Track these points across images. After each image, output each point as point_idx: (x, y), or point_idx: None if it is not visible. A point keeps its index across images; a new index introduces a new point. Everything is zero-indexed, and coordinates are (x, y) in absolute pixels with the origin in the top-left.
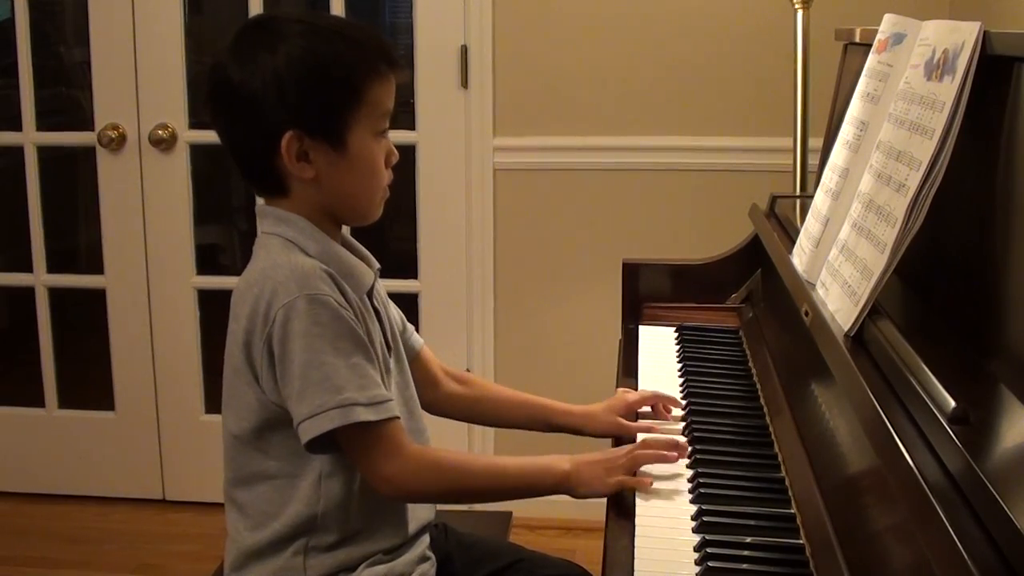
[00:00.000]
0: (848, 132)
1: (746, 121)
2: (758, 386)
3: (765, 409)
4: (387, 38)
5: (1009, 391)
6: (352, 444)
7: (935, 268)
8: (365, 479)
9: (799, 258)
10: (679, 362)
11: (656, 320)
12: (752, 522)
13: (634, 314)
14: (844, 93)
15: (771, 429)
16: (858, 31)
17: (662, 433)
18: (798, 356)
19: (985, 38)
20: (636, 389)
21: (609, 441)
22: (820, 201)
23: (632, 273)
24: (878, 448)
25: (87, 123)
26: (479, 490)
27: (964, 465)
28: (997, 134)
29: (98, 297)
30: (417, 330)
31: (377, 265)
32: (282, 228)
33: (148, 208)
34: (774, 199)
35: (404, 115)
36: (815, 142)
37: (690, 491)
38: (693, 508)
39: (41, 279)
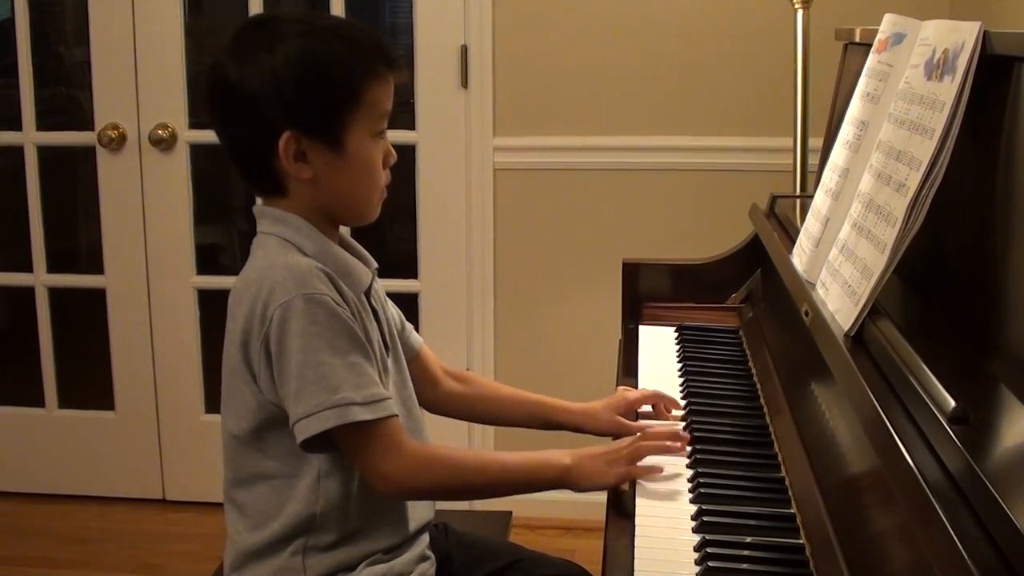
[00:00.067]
0: (848, 132)
1: (746, 121)
2: (758, 386)
3: (765, 409)
4: (386, 39)
5: (1009, 391)
6: (350, 443)
7: (935, 268)
8: (364, 478)
9: (799, 258)
10: (679, 362)
11: (656, 320)
12: (752, 522)
13: (634, 314)
14: (844, 93)
15: (771, 429)
16: (858, 31)
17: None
18: (798, 356)
19: (985, 38)
20: (636, 388)
21: (609, 439)
22: (820, 201)
23: (632, 273)
24: (878, 448)
25: (87, 123)
26: (479, 486)
27: (964, 465)
28: (997, 134)
29: (98, 297)
30: (417, 330)
31: (375, 264)
32: (279, 228)
33: (148, 208)
34: (774, 199)
35: (404, 115)
36: (815, 142)
37: (690, 491)
38: (693, 508)
39: (41, 279)
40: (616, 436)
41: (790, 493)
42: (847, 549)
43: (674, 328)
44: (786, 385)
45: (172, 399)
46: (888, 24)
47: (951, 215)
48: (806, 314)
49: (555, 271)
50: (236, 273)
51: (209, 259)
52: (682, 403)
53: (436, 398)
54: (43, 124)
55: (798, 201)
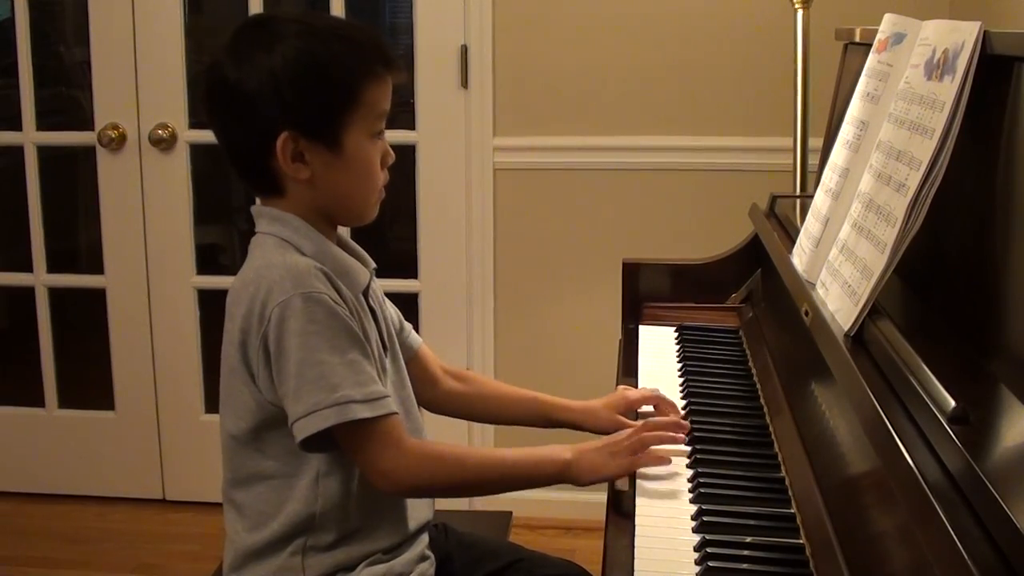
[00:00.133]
0: (848, 132)
1: (746, 121)
2: (758, 386)
3: (765, 409)
4: (385, 39)
5: (1009, 391)
6: (350, 441)
7: (935, 268)
8: (364, 475)
9: (799, 258)
10: (679, 362)
11: (656, 320)
12: (752, 522)
13: (634, 314)
14: (844, 93)
15: (771, 429)
16: (858, 31)
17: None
18: (798, 356)
19: (985, 38)
20: (636, 388)
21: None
22: (820, 201)
23: (632, 273)
24: (878, 448)
25: (87, 123)
26: (479, 482)
27: (964, 465)
28: (997, 134)
29: (98, 297)
30: (417, 330)
31: (373, 264)
32: (277, 228)
33: (148, 208)
34: (774, 199)
35: (404, 115)
36: (815, 142)
37: (690, 491)
38: (693, 508)
39: (41, 279)
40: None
41: (790, 493)
42: (847, 549)
43: (674, 328)
44: (786, 385)
45: (172, 399)
46: (888, 24)
47: (951, 215)
48: (806, 314)
49: (555, 271)
50: (236, 273)
51: (209, 259)
52: (682, 403)
53: (436, 397)
54: (43, 124)
55: (798, 201)
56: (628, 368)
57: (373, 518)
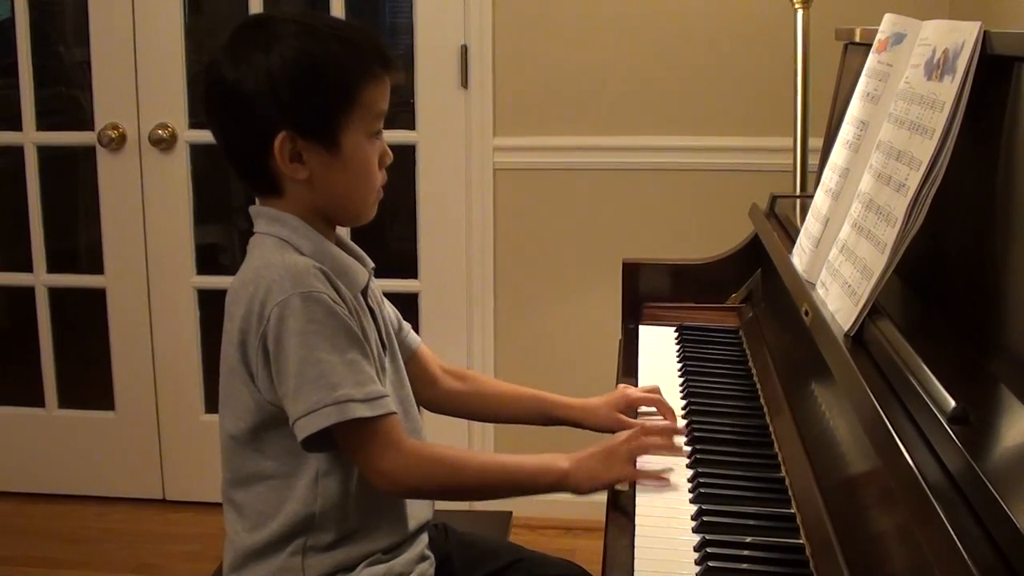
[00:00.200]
0: (848, 132)
1: (746, 121)
2: (758, 386)
3: (765, 409)
4: (383, 39)
5: (1009, 391)
6: (349, 441)
7: (935, 268)
8: (363, 475)
9: (799, 258)
10: (679, 362)
11: (656, 320)
12: (752, 522)
13: (634, 314)
14: (844, 93)
15: (771, 429)
16: (858, 31)
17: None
18: (798, 356)
19: (985, 38)
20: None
21: (608, 436)
22: (820, 201)
23: (632, 273)
24: (878, 448)
25: (87, 123)
26: (477, 486)
27: (964, 465)
28: (997, 134)
29: (98, 297)
30: (417, 330)
31: (371, 264)
32: (276, 228)
33: (148, 208)
34: (774, 199)
35: (404, 115)
36: (815, 142)
37: (690, 491)
38: (693, 508)
39: (41, 279)
40: (615, 433)
41: (790, 493)
42: (847, 549)
43: (674, 328)
44: (786, 385)
45: (172, 399)
46: (888, 24)
47: (951, 215)
48: (806, 314)
49: (555, 271)
50: (236, 273)
51: (209, 259)
52: (682, 403)
53: (435, 397)
54: (43, 124)
55: (798, 201)
56: (628, 368)
57: (372, 518)
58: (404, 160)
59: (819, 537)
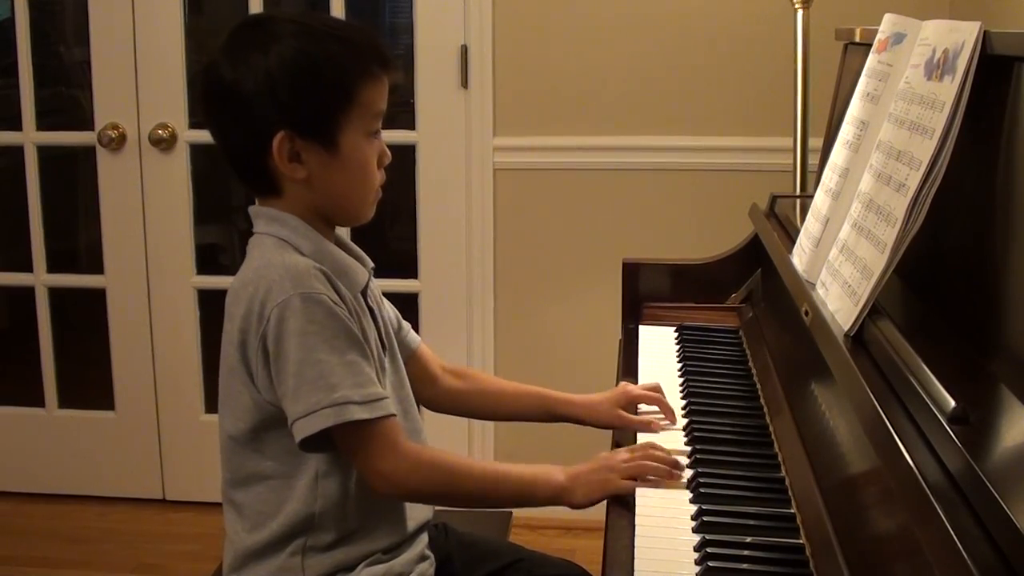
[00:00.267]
0: (848, 132)
1: (746, 121)
2: (758, 386)
3: (765, 409)
4: (382, 39)
5: (1009, 391)
6: (347, 442)
7: (935, 268)
8: (361, 477)
9: (799, 258)
10: (679, 362)
11: (656, 320)
12: (752, 522)
13: (634, 314)
14: (844, 93)
15: (771, 429)
16: (858, 31)
17: (662, 432)
18: (798, 356)
19: (985, 38)
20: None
21: (610, 433)
22: (820, 201)
23: (632, 273)
24: (878, 448)
25: (87, 123)
26: (474, 493)
27: (964, 465)
28: (997, 134)
29: (98, 297)
30: (417, 330)
31: (371, 264)
32: (275, 228)
33: (148, 208)
34: (774, 199)
35: (404, 115)
36: (815, 142)
37: (690, 491)
38: (693, 508)
39: (41, 279)
40: (616, 430)
41: (790, 493)
42: (847, 549)
43: (674, 328)
44: (786, 385)
45: (172, 399)
46: (888, 24)
47: (951, 215)
48: (806, 314)
49: (555, 271)
50: (236, 273)
51: (209, 259)
52: (682, 403)
53: (436, 396)
54: (43, 124)
55: (798, 201)
56: (628, 368)
57: (372, 518)
58: (404, 160)
59: (819, 537)
